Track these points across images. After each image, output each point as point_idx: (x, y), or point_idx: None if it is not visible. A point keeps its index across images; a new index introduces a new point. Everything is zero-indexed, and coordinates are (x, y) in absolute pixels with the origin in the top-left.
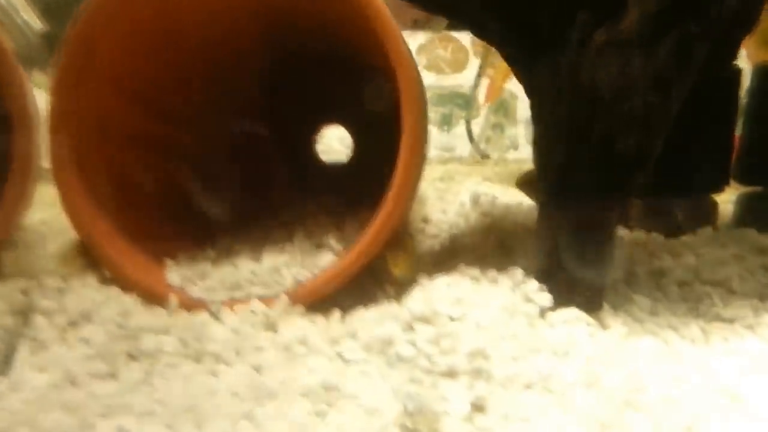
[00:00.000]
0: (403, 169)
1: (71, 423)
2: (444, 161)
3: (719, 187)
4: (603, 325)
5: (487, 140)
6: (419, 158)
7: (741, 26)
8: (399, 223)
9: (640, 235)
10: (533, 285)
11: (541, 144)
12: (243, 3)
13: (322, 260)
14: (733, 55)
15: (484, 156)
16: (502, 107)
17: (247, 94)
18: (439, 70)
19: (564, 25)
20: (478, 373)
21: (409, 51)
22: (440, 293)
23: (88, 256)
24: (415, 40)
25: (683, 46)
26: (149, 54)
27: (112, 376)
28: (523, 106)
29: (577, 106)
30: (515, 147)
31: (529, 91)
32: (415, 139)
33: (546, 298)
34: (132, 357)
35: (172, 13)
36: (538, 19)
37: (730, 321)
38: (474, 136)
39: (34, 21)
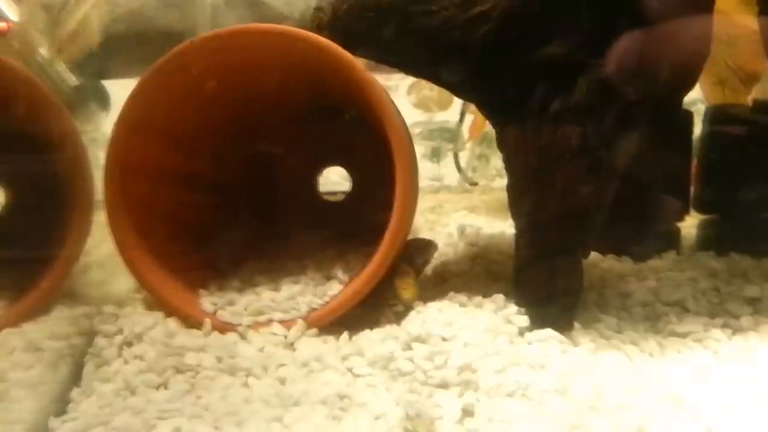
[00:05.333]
0: (397, 216)
1: (137, 424)
2: (435, 190)
3: (680, 216)
4: (574, 342)
5: (474, 170)
6: (411, 206)
7: (679, 89)
8: (396, 256)
9: (612, 260)
10: (513, 309)
11: (512, 192)
12: (280, 76)
13: (332, 289)
14: (676, 108)
15: (472, 183)
16: (486, 139)
17: (266, 141)
18: (427, 108)
19: (526, 96)
20: (466, 384)
21: (404, 121)
22: (433, 317)
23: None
24: (405, 81)
25: (625, 112)
26: (194, 106)
27: (164, 386)
28: None
29: (541, 162)
30: (501, 175)
31: (501, 147)
32: (407, 190)
33: (524, 320)
34: (178, 371)
35: (220, 77)
36: (506, 92)
37: (683, 336)
38: (461, 166)
39: (68, 76)
